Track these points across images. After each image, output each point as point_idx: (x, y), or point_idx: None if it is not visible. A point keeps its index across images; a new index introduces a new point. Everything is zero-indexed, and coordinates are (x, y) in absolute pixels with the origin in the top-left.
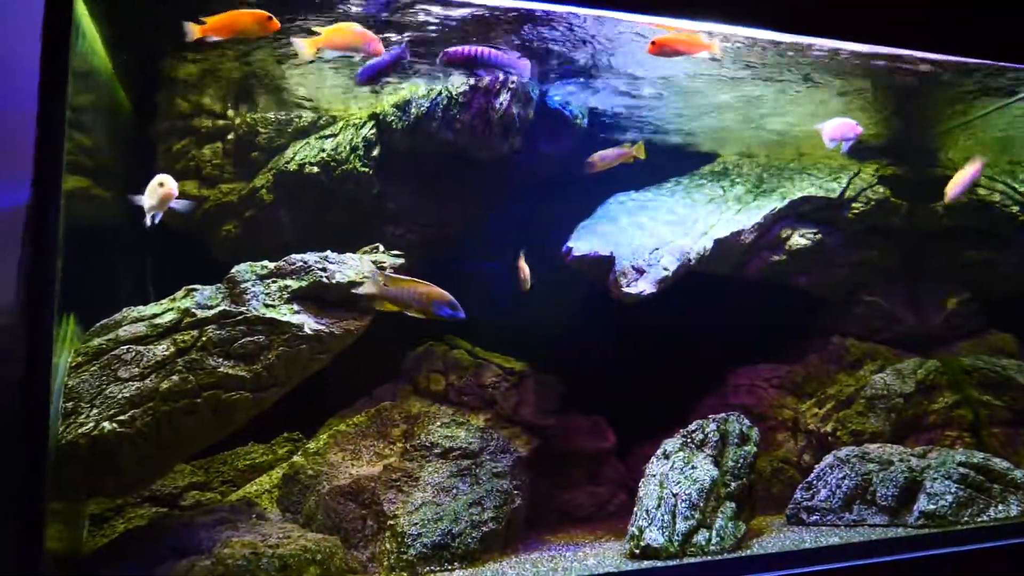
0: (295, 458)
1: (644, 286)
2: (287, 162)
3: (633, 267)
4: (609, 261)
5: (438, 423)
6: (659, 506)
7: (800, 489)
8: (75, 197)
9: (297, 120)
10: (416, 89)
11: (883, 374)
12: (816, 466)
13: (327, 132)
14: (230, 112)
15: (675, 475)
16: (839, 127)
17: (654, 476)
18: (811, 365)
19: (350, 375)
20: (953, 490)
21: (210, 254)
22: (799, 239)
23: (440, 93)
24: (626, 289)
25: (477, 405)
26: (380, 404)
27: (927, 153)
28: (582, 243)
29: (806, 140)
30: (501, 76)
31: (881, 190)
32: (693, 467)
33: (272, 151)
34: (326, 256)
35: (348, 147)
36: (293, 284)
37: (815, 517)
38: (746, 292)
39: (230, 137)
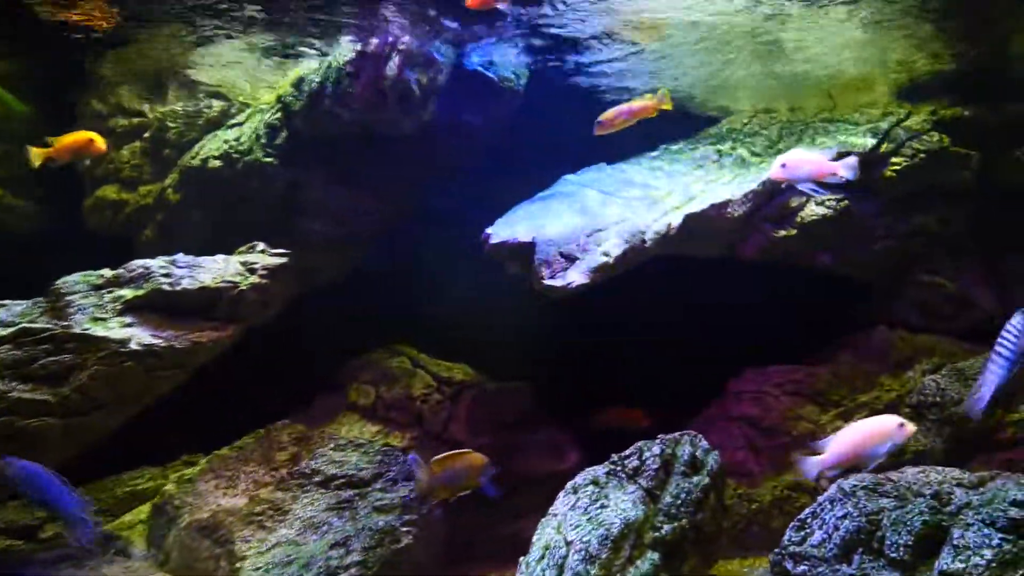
0: (167, 486)
1: (573, 277)
2: (192, 158)
3: (561, 254)
4: (530, 248)
5: (331, 446)
6: (543, 557)
7: (791, 528)
8: None
9: (207, 110)
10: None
11: (938, 376)
12: (818, 497)
13: (235, 121)
14: (146, 108)
15: (576, 516)
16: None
17: (555, 516)
18: (841, 365)
19: (281, 387)
20: (995, 542)
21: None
22: (815, 208)
23: (329, 65)
24: (548, 282)
25: (405, 421)
26: (271, 425)
27: (1012, 84)
28: (503, 229)
29: (837, 82)
30: (390, 37)
31: (936, 138)
32: (602, 506)
33: (184, 147)
34: (174, 260)
35: (252, 136)
36: (128, 294)
37: (803, 567)
38: (758, 278)
39: (146, 135)
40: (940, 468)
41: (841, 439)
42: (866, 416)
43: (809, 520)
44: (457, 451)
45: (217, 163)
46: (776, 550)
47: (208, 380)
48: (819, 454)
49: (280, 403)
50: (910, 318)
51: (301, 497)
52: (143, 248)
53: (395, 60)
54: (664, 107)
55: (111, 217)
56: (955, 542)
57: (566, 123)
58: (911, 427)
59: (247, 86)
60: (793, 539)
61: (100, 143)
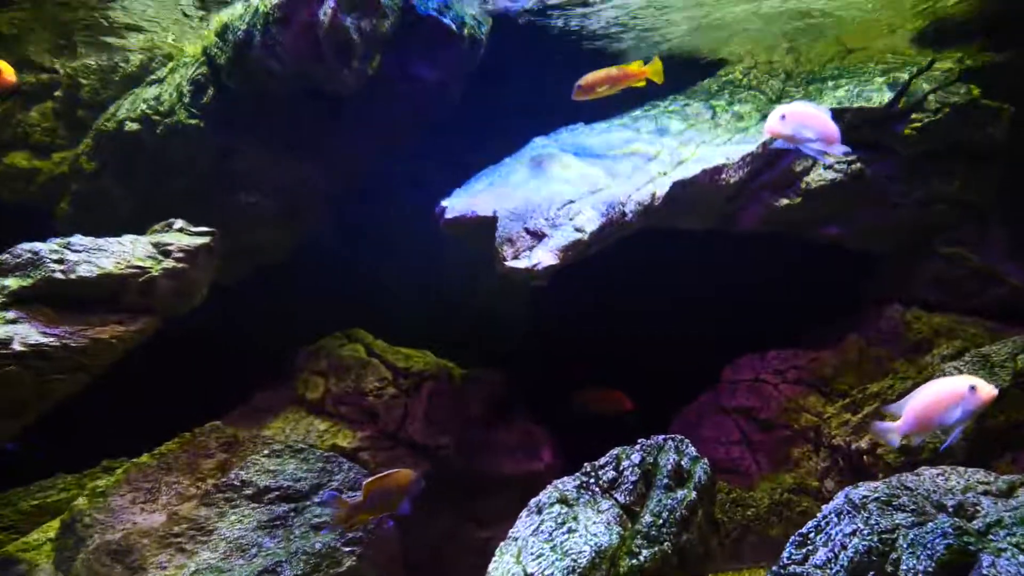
0: (77, 501)
1: (541, 257)
2: (107, 120)
3: (527, 230)
4: (491, 224)
5: (265, 452)
6: None
7: (791, 544)
8: None
9: (124, 65)
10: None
11: (960, 361)
12: (823, 507)
13: (155, 77)
14: (56, 62)
15: (538, 543)
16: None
17: (515, 542)
18: (848, 349)
19: (220, 381)
20: None
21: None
22: (823, 172)
23: (256, 10)
24: (511, 263)
25: (357, 418)
26: (199, 428)
27: None
28: (460, 201)
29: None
30: None
31: (963, 90)
32: (570, 530)
33: (100, 106)
34: (68, 243)
35: (174, 95)
36: (13, 284)
37: None
38: (755, 250)
39: (58, 94)
40: (962, 469)
41: (914, 402)
42: (876, 407)
43: (812, 535)
44: (386, 472)
45: (135, 126)
46: (774, 567)
47: (129, 377)
48: (896, 418)
49: (218, 399)
50: (927, 295)
51: (228, 513)
52: (61, 224)
53: (329, 2)
54: (654, 78)
55: (24, 188)
56: (984, 571)
57: (540, 76)
58: (986, 390)
59: (168, 33)
60: (794, 556)
61: (8, 72)
